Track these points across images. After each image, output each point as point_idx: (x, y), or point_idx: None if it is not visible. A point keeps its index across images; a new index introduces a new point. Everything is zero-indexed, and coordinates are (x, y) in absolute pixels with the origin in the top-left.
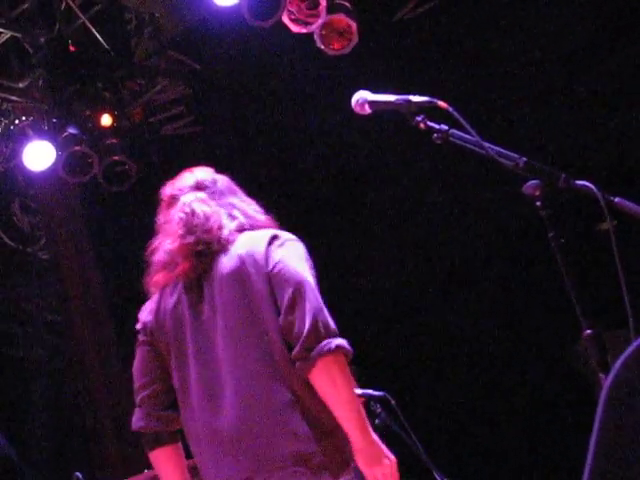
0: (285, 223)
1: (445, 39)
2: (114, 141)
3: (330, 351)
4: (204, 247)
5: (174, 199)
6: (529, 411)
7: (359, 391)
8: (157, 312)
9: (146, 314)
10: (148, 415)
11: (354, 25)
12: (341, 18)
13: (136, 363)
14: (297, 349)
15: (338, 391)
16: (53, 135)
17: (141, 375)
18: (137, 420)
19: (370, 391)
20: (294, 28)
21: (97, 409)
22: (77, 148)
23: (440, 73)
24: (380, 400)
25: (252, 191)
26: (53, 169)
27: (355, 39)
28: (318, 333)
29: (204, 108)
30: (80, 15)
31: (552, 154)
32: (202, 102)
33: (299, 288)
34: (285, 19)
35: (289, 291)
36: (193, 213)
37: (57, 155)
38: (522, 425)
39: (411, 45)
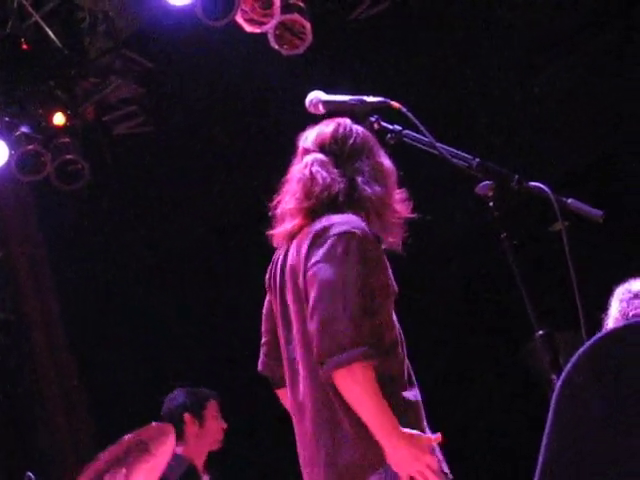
0: (231, 221)
1: (400, 39)
2: (67, 140)
3: (340, 366)
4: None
5: (301, 154)
6: (480, 410)
7: None
8: (270, 267)
9: (269, 267)
10: (262, 361)
11: (308, 25)
12: (295, 18)
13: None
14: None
15: (356, 403)
16: (6, 134)
17: (263, 322)
18: (259, 362)
19: None
20: (248, 28)
21: (48, 405)
22: (30, 147)
23: (394, 73)
24: None
25: (206, 191)
26: (6, 168)
27: (309, 39)
28: (328, 347)
29: (157, 107)
30: (33, 13)
31: (507, 155)
32: (155, 101)
33: (318, 294)
34: (239, 19)
35: (311, 297)
36: (312, 178)
37: (10, 154)
38: (472, 425)
39: (365, 45)
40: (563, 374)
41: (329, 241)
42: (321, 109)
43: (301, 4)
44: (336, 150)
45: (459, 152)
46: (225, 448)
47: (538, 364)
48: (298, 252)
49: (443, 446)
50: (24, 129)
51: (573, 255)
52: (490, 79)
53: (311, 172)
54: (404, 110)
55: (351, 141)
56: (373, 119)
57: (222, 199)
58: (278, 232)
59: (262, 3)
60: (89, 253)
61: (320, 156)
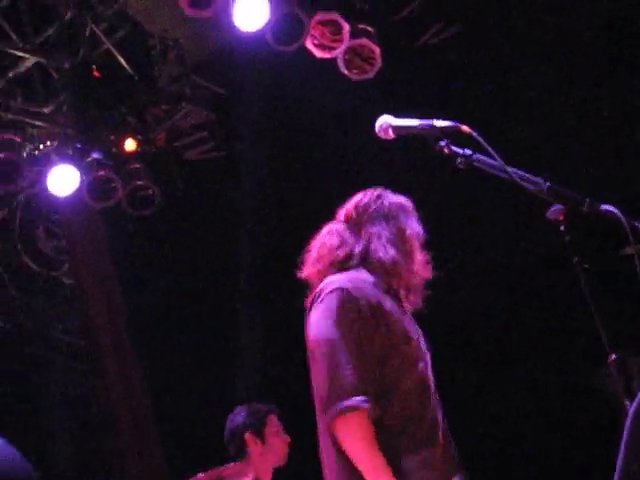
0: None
1: (467, 64)
2: (138, 166)
3: (336, 416)
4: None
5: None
6: (554, 436)
7: None
8: None
9: None
10: None
11: (377, 50)
12: (364, 43)
13: None
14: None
15: (349, 453)
16: (77, 160)
17: None
18: None
19: None
20: (318, 53)
21: (119, 435)
22: (101, 173)
23: (463, 98)
24: None
25: (277, 218)
26: (77, 194)
27: (378, 64)
28: (326, 401)
29: (228, 133)
30: (104, 40)
31: (577, 179)
32: (226, 127)
33: (313, 353)
34: (309, 44)
35: (311, 354)
36: (323, 244)
37: (81, 180)
38: (546, 450)
39: (434, 70)
40: (637, 399)
41: (324, 299)
42: (391, 134)
43: (370, 29)
44: (355, 217)
45: (530, 176)
46: (291, 463)
47: (612, 389)
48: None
49: (515, 472)
50: (95, 155)
51: None
52: (556, 103)
53: (323, 238)
54: (474, 134)
55: (373, 208)
56: (443, 143)
57: (290, 224)
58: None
59: (332, 28)
60: (160, 279)
61: (337, 225)
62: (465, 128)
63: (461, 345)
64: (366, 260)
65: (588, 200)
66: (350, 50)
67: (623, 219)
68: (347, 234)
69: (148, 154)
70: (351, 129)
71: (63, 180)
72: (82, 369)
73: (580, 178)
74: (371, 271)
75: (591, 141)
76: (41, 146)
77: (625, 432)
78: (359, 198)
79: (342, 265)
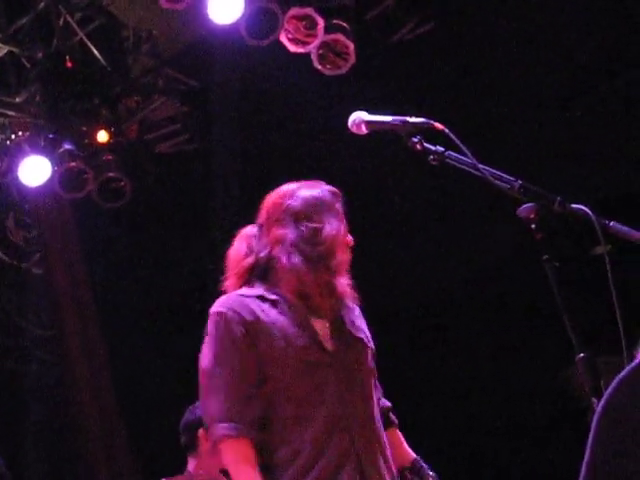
0: None
1: (443, 61)
2: (110, 158)
3: (214, 442)
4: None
5: None
6: (520, 435)
7: None
8: None
9: None
10: None
11: (351, 45)
12: (338, 38)
13: None
14: None
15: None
16: (49, 150)
17: None
18: None
19: None
20: (292, 47)
21: (86, 425)
22: (73, 164)
23: (438, 95)
24: None
25: (247, 213)
26: (49, 184)
27: (352, 59)
28: (207, 427)
29: (200, 126)
30: (78, 31)
31: (548, 177)
32: (198, 120)
33: (199, 373)
34: (283, 38)
35: None
36: (232, 253)
37: (53, 170)
38: (512, 449)
39: (409, 67)
40: (604, 397)
41: (207, 324)
42: (364, 129)
43: (344, 25)
44: (264, 219)
45: (501, 174)
46: None
47: (579, 388)
48: None
49: (479, 469)
50: (67, 146)
51: (615, 278)
52: (531, 101)
53: (233, 246)
54: (447, 131)
55: (283, 207)
56: (416, 140)
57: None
58: None
59: (306, 23)
60: (130, 271)
61: (250, 229)
62: (438, 125)
63: (427, 342)
64: (267, 269)
65: (559, 199)
66: (324, 45)
67: (594, 218)
68: (255, 240)
69: (120, 146)
70: (324, 124)
71: (34, 170)
72: (47, 359)
73: (556, 178)
74: (272, 280)
75: (567, 141)
76: (13, 136)
77: (592, 431)
78: (270, 196)
79: (248, 276)
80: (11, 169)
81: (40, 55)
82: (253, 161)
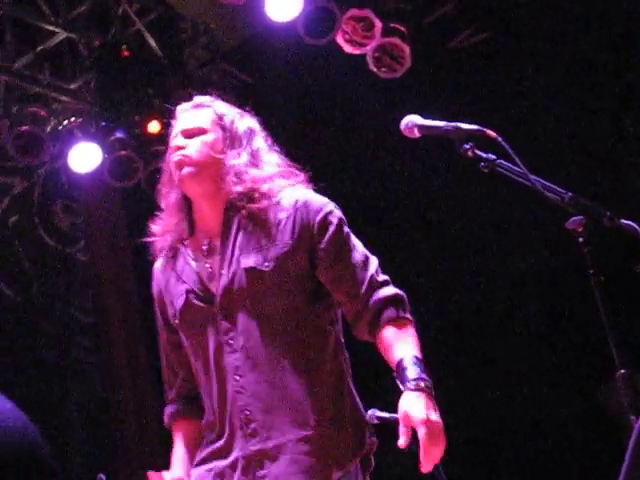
0: None
1: (498, 70)
2: (160, 148)
3: None
4: None
5: None
6: (558, 449)
7: (387, 415)
8: None
9: None
10: None
11: (407, 50)
12: (395, 42)
13: None
14: None
15: None
16: (100, 138)
17: None
18: None
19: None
20: (348, 48)
21: (125, 411)
22: (123, 152)
23: (491, 103)
24: None
25: None
26: (98, 172)
27: (408, 64)
28: None
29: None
30: (136, 21)
31: (598, 191)
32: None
33: None
34: (339, 39)
35: None
36: None
37: (103, 158)
38: (550, 463)
39: (463, 73)
40: None
41: None
42: (416, 133)
43: (402, 28)
44: None
45: (552, 185)
46: None
47: (618, 404)
48: None
49: None
50: (119, 134)
51: None
52: (584, 114)
53: None
54: (499, 139)
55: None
56: (467, 146)
57: None
58: None
59: (363, 25)
60: None
61: None
62: (490, 132)
63: (469, 351)
64: None
65: (609, 213)
66: (380, 48)
67: None
68: None
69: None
70: (375, 126)
71: (85, 157)
72: (88, 345)
73: (603, 191)
74: None
75: (620, 155)
76: (65, 122)
77: (630, 448)
78: None
79: None
80: (62, 155)
81: (97, 43)
82: (302, 160)
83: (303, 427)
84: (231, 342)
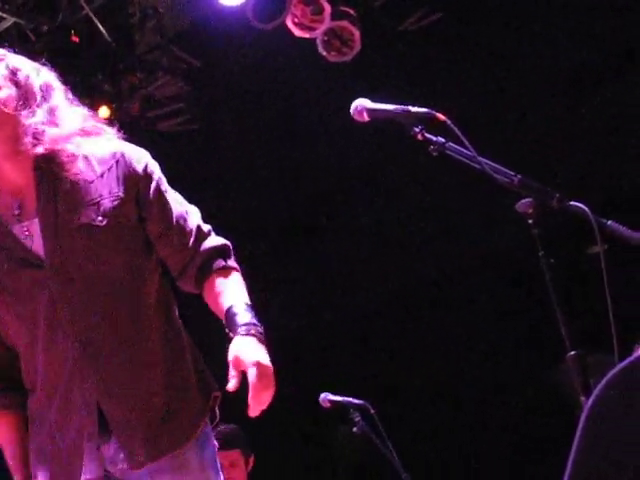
0: (276, 225)
1: (449, 52)
2: None
3: None
4: None
5: None
6: (509, 429)
7: (339, 398)
8: None
9: None
10: None
11: (357, 33)
12: (345, 25)
13: None
14: None
15: None
16: None
17: None
18: None
19: (350, 399)
20: (297, 32)
21: None
22: None
23: (442, 86)
24: (360, 409)
25: (246, 191)
26: None
27: (357, 47)
28: None
29: (202, 106)
30: (84, 5)
31: (550, 174)
32: (201, 100)
33: None
34: (289, 22)
35: None
36: None
37: None
38: (502, 442)
39: (413, 56)
40: (594, 393)
41: None
42: (365, 117)
43: (352, 12)
44: None
45: (501, 168)
46: None
47: (568, 384)
48: None
49: (465, 462)
50: None
51: (610, 278)
52: (536, 95)
53: None
54: (449, 122)
55: None
56: (417, 129)
57: (264, 199)
58: None
59: (313, 8)
60: None
61: None
62: (440, 116)
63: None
64: None
65: (558, 195)
66: (330, 31)
67: (592, 217)
68: None
69: (121, 122)
70: (325, 109)
71: None
72: None
73: (560, 175)
74: None
75: (574, 138)
76: None
77: (578, 430)
78: None
79: None
80: None
81: (45, 28)
82: (252, 143)
83: (154, 395)
84: (67, 305)
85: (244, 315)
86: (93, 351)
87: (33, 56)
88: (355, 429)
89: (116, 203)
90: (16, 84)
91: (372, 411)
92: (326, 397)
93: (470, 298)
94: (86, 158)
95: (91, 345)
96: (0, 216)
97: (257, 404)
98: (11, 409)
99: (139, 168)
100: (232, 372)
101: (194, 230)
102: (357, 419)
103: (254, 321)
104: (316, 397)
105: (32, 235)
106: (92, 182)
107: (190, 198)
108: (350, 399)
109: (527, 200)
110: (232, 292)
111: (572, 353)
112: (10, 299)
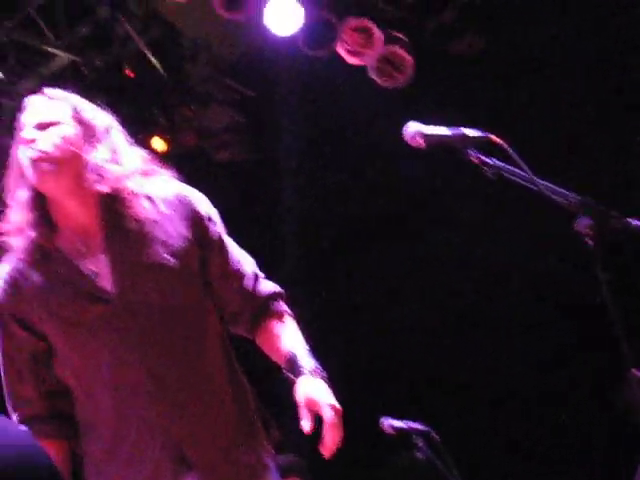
0: (330, 253)
1: (502, 76)
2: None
3: None
4: None
5: None
6: (575, 449)
7: (402, 424)
8: None
9: None
10: None
11: (410, 59)
12: (396, 51)
13: None
14: None
15: None
16: None
17: None
18: None
19: (413, 424)
20: (349, 59)
21: None
22: None
23: (495, 110)
24: (424, 435)
25: (301, 220)
26: None
27: (410, 73)
28: None
29: (257, 136)
30: (137, 39)
31: (606, 194)
32: (255, 130)
33: None
34: (340, 49)
35: None
36: None
37: None
38: (568, 464)
39: (466, 80)
40: None
41: None
42: (421, 142)
43: (403, 37)
44: None
45: (558, 188)
46: None
47: (631, 403)
48: None
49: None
50: None
51: None
52: (585, 120)
53: None
54: (505, 145)
55: None
56: (473, 153)
57: (320, 228)
58: None
59: (363, 35)
60: None
61: None
62: (495, 138)
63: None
64: None
65: (617, 214)
66: (382, 57)
67: None
68: None
69: (176, 154)
70: (381, 136)
71: None
72: None
73: (607, 193)
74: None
75: (629, 159)
76: None
77: None
78: None
79: None
80: None
81: (99, 63)
82: (311, 173)
83: (229, 431)
84: (136, 340)
85: (309, 361)
86: (166, 386)
87: (88, 92)
88: (419, 454)
89: (184, 244)
90: (80, 122)
91: (437, 438)
92: (389, 423)
93: (532, 318)
94: (149, 198)
95: (163, 380)
96: (65, 251)
97: (333, 444)
98: (57, 439)
99: (202, 210)
100: (305, 413)
101: (251, 275)
102: (420, 444)
103: (319, 367)
104: (369, 419)
105: (98, 271)
106: (157, 221)
107: (246, 227)
108: (412, 424)
109: (586, 220)
110: (290, 337)
111: (634, 371)
112: (74, 334)
